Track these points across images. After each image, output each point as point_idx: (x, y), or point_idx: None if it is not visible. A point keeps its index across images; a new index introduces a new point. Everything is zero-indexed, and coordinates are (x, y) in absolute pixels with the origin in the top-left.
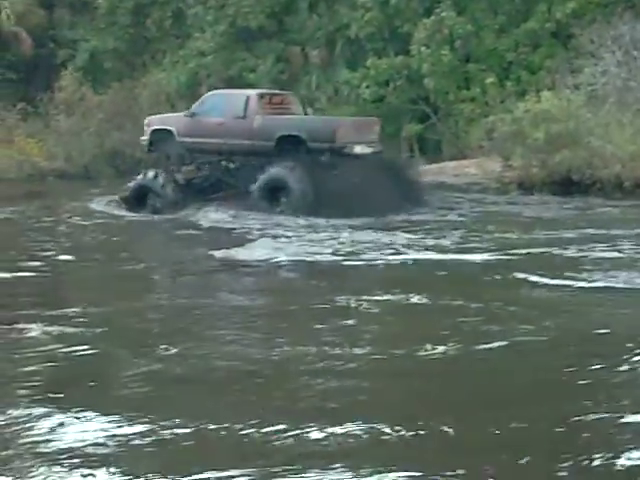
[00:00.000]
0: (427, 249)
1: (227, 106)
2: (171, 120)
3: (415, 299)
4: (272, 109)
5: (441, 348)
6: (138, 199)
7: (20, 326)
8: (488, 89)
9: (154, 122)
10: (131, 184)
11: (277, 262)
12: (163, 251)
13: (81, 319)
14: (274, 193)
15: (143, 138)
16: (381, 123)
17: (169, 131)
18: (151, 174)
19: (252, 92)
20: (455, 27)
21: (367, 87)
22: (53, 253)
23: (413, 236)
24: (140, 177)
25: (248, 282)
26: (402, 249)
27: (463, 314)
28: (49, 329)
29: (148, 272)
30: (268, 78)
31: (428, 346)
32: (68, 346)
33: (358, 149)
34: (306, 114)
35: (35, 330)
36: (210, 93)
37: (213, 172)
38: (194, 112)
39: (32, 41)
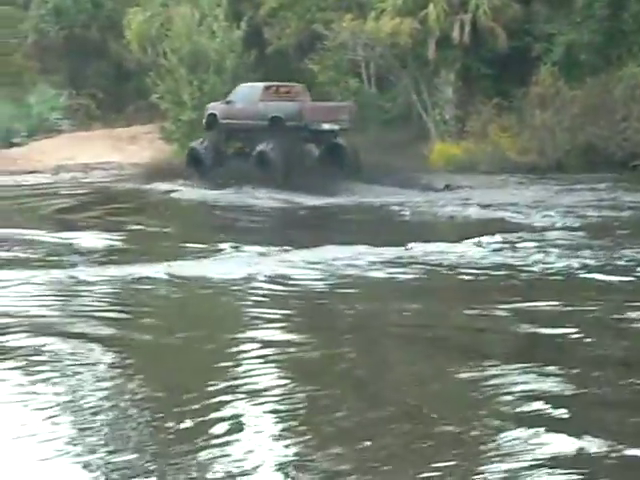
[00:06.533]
0: None
1: (247, 95)
2: (217, 106)
3: None
4: (278, 97)
5: None
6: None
7: None
8: None
9: (209, 107)
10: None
11: None
12: None
13: None
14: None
15: (203, 119)
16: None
17: (215, 114)
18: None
19: (261, 84)
20: None
21: None
22: None
23: None
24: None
25: None
26: None
27: None
28: None
29: None
30: None
31: None
32: None
33: (326, 126)
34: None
35: None
36: (239, 86)
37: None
38: (229, 100)
39: (506, 36)
